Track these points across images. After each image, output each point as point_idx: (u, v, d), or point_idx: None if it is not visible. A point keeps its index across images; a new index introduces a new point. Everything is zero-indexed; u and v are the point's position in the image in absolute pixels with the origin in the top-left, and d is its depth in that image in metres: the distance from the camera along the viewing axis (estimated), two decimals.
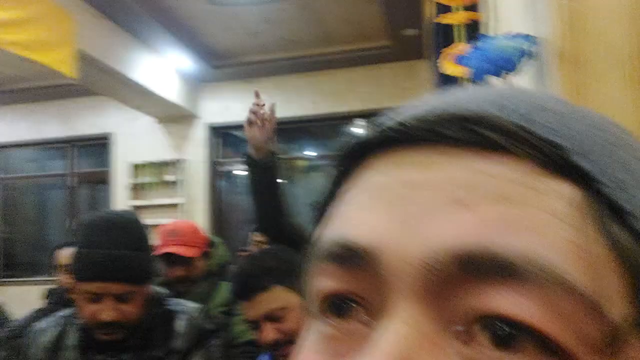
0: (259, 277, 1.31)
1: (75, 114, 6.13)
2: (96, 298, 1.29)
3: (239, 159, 5.74)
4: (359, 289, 0.26)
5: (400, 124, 0.27)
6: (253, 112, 1.67)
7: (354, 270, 0.26)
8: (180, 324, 1.42)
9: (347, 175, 0.30)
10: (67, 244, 2.36)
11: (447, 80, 1.75)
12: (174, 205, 5.67)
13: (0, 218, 6.45)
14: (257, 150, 1.65)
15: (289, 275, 1.34)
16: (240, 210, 5.95)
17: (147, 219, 5.97)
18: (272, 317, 1.30)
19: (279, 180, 1.69)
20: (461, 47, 1.44)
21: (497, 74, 1.04)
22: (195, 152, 5.76)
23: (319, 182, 5.95)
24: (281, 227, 1.69)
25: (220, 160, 5.90)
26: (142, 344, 1.38)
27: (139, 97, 5.06)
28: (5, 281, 6.24)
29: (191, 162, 5.75)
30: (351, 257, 0.26)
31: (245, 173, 1.71)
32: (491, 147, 0.25)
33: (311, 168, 5.97)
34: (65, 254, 2.27)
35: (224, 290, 2.01)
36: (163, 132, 5.85)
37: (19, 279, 6.26)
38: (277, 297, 1.31)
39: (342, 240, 0.26)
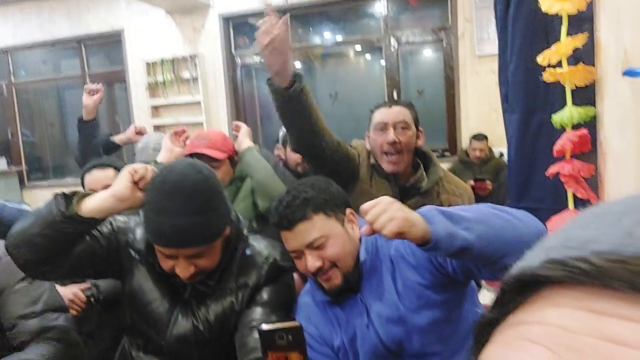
0: (298, 206, 1.32)
1: (84, 11, 5.87)
2: (171, 257, 1.33)
3: (256, 51, 5.51)
4: None
5: (595, 266, 0.23)
6: (266, 33, 1.51)
7: None
8: (256, 262, 1.46)
9: (518, 301, 0.27)
10: (93, 167, 2.09)
11: None
12: (193, 104, 5.54)
13: (19, 122, 6.44)
14: (278, 76, 1.55)
15: (327, 203, 1.36)
16: (262, 105, 5.81)
17: (168, 119, 5.89)
18: (314, 246, 1.32)
19: (309, 105, 1.61)
20: None
21: None
22: (210, 46, 5.52)
23: (337, 70, 5.72)
24: (317, 147, 1.67)
25: (237, 52, 5.66)
26: (218, 279, 1.43)
27: None
28: (35, 185, 6.36)
29: (206, 56, 5.54)
30: None
31: (272, 98, 1.62)
32: None
33: (329, 55, 5.70)
34: (91, 179, 2.07)
35: (247, 184, 2.10)
36: (175, 25, 5.59)
37: (47, 182, 6.37)
38: (317, 225, 1.32)
39: None
